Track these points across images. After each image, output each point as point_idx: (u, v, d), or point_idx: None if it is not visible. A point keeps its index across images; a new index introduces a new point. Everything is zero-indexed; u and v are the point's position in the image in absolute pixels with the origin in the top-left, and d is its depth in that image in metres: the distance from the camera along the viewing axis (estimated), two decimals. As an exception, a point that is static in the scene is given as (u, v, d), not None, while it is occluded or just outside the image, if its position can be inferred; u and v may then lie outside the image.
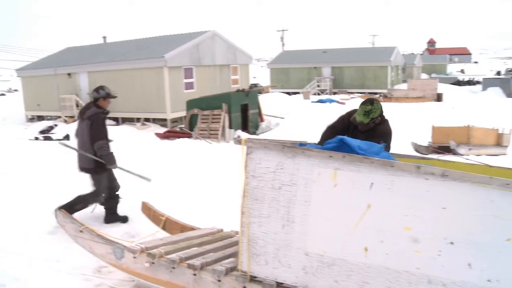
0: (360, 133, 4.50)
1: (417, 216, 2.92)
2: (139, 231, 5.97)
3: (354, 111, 4.78)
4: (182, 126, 19.52)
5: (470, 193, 2.79)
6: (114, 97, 6.42)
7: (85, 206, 6.17)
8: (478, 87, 45.96)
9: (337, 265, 3.16)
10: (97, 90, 6.27)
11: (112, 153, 6.18)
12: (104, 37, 31.50)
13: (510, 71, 59.87)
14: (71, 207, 5.82)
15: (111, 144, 6.29)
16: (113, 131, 17.45)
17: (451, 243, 2.86)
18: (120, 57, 23.34)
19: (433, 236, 2.90)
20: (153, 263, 4.00)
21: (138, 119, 22.04)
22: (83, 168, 6.22)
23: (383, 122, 4.63)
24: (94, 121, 6.03)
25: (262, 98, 23.92)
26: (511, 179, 2.81)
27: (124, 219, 6.32)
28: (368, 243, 3.06)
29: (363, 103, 4.53)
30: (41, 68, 26.42)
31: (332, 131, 4.80)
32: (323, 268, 3.20)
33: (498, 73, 68.51)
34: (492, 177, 2.73)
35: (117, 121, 22.52)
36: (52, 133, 20.59)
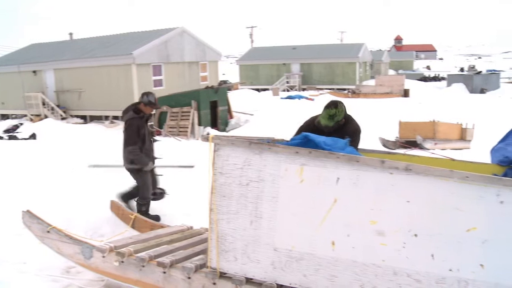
0: (327, 135, 4.53)
1: (382, 210, 2.99)
2: (108, 230, 5.90)
3: (318, 115, 4.81)
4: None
5: (432, 186, 2.87)
6: (157, 107, 6.49)
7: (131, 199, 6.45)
8: (443, 83, 46.96)
9: (306, 259, 3.20)
10: (142, 94, 6.33)
11: (142, 155, 6.21)
12: (71, 34, 30.95)
13: (472, 68, 61.24)
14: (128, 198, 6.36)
15: (154, 145, 6.77)
16: (80, 130, 17.29)
17: (415, 235, 2.94)
18: (87, 54, 22.94)
19: (398, 229, 2.97)
20: (122, 262, 3.97)
21: (106, 117, 21.74)
22: (126, 168, 6.34)
23: (349, 122, 4.66)
24: (128, 126, 6.18)
25: (231, 95, 23.89)
26: (471, 172, 2.90)
27: (156, 218, 6.16)
28: (335, 237, 3.11)
29: (327, 107, 4.51)
30: (4, 65, 25.78)
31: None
32: (291, 262, 3.24)
33: (462, 69, 70.02)
34: (452, 171, 2.82)
35: (85, 119, 22.17)
36: (17, 132, 20.09)
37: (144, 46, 21.56)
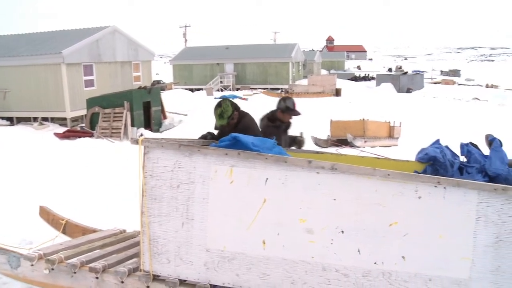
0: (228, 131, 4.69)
1: (310, 208, 3.09)
2: (37, 237, 5.71)
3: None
4: (83, 125, 18.82)
5: (357, 184, 3.01)
6: (296, 113, 5.48)
7: None
8: (373, 82, 48.71)
9: (238, 259, 3.25)
10: (280, 100, 5.55)
11: None
12: (-6, 31, 29.46)
13: (399, 68, 63.92)
14: None
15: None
16: (6, 132, 16.52)
17: (342, 231, 3.07)
18: (12, 52, 21.78)
19: (325, 226, 3.09)
20: (52, 269, 3.85)
21: (35, 119, 20.86)
22: None
23: (244, 116, 4.86)
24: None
25: (165, 95, 23.69)
26: (394, 169, 3.06)
27: None
28: (265, 236, 3.18)
29: (214, 109, 4.71)
30: None
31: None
32: (224, 263, 3.28)
33: (390, 70, 73.04)
34: (375, 169, 2.96)
35: (11, 121, 21.18)
36: None
37: (74, 45, 20.84)
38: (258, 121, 5.28)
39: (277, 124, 5.38)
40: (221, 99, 4.87)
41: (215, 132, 4.93)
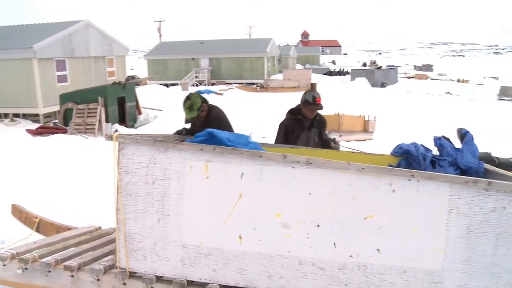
0: (199, 125, 4.73)
1: (286, 203, 3.11)
2: (9, 236, 5.61)
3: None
4: (56, 121, 18.51)
5: (332, 178, 3.03)
6: (317, 107, 5.15)
7: None
8: (348, 77, 49.18)
9: (214, 254, 3.25)
10: (303, 93, 5.28)
11: None
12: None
13: (374, 63, 64.63)
14: None
15: None
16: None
17: (318, 225, 3.09)
18: (-20, 47, 21.37)
19: (301, 221, 3.11)
20: (26, 268, 3.78)
21: (6, 115, 20.43)
22: None
23: (213, 109, 4.89)
24: (278, 129, 5.31)
25: (139, 91, 23.46)
26: (368, 163, 3.10)
27: None
28: (242, 231, 3.19)
29: (183, 104, 4.74)
30: None
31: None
32: (200, 258, 3.28)
33: (364, 64, 73.84)
34: (350, 163, 2.99)
35: (-19, 117, 20.74)
36: None
37: (46, 40, 20.44)
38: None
39: (298, 117, 5.18)
40: (186, 96, 4.86)
41: (187, 126, 4.92)
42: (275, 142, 5.15)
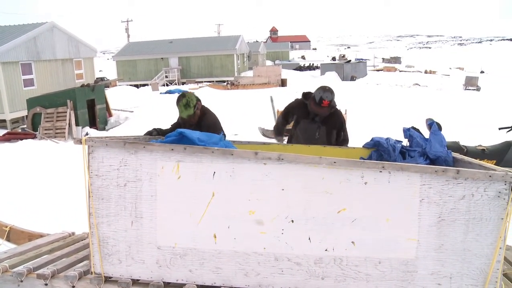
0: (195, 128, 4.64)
1: (259, 200, 3.11)
2: (-22, 246, 5.49)
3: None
4: (24, 126, 18.15)
5: (304, 173, 3.04)
6: (319, 109, 4.89)
7: None
8: (318, 72, 49.45)
9: (189, 254, 3.24)
10: (318, 87, 4.97)
11: (278, 136, 5.62)
12: None
13: (343, 57, 65.19)
14: None
15: None
16: None
17: (292, 221, 3.10)
18: None
19: (275, 217, 3.12)
20: (-4, 279, 3.72)
21: (-30, 122, 20.01)
22: None
23: (206, 112, 4.83)
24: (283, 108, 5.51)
25: (109, 92, 23.20)
26: (340, 157, 3.12)
27: None
28: (216, 230, 3.18)
29: (178, 102, 4.66)
30: None
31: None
32: (176, 259, 3.26)
33: (334, 58, 74.37)
34: (321, 157, 3.00)
35: None
36: None
37: (9, 43, 20.02)
38: None
39: (306, 103, 5.06)
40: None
41: (158, 127, 4.82)
42: (276, 122, 5.38)
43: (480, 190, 2.94)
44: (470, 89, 32.89)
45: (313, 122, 5.08)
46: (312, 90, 5.02)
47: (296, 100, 5.29)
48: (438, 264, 3.03)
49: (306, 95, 5.16)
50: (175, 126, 4.84)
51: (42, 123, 16.77)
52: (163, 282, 3.31)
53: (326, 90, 4.85)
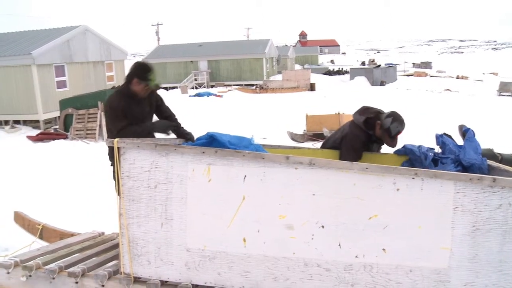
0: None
1: (289, 204, 3.09)
2: (12, 243, 5.59)
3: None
4: (57, 127, 18.50)
5: (335, 179, 3.01)
6: (391, 141, 4.33)
7: None
8: (347, 76, 49.16)
9: (218, 257, 3.24)
10: (389, 115, 4.37)
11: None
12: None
13: (372, 61, 64.62)
14: None
15: None
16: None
17: (322, 226, 3.07)
18: (-21, 54, 21.36)
19: (305, 222, 3.09)
20: (30, 276, 3.77)
21: (6, 122, 20.44)
22: None
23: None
24: (353, 141, 4.43)
25: (139, 94, 23.38)
26: (371, 163, 3.08)
27: None
28: (246, 234, 3.17)
29: (148, 70, 4.25)
30: None
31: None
32: (205, 262, 3.26)
33: (363, 63, 73.81)
34: (353, 163, 2.97)
35: (-19, 124, 20.71)
36: None
37: (44, 46, 20.43)
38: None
39: (370, 133, 4.43)
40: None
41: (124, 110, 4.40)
42: (348, 158, 4.01)
43: (517, 200, 2.86)
44: (504, 95, 32.21)
45: (374, 145, 4.62)
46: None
47: (359, 131, 4.46)
48: (472, 275, 2.96)
49: (367, 124, 4.44)
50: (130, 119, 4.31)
51: (74, 124, 17.06)
52: (191, 284, 3.31)
53: (402, 122, 4.31)
